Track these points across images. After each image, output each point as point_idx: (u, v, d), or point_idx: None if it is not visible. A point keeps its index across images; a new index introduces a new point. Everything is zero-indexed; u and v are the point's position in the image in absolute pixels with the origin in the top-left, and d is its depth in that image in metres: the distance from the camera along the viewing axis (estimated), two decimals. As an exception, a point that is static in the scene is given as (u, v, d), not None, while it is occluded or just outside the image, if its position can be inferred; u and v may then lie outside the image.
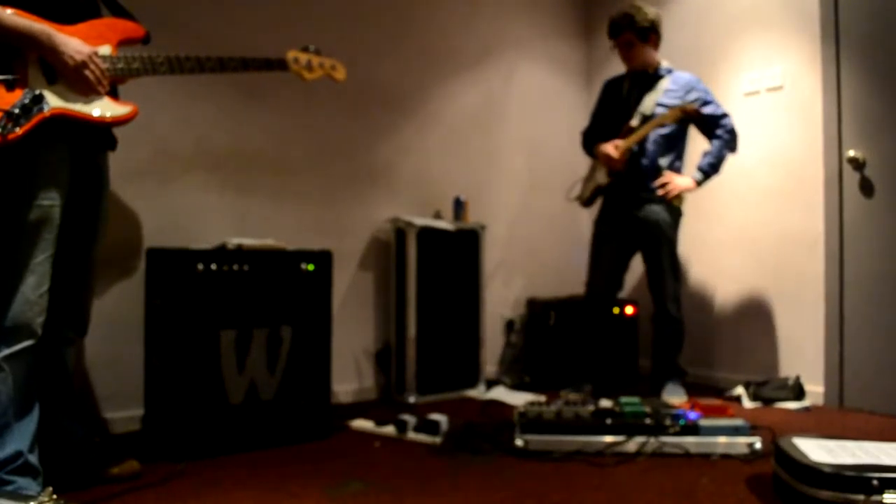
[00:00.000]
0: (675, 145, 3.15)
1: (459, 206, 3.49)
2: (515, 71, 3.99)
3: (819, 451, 1.81)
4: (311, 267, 2.54)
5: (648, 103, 3.11)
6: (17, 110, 1.56)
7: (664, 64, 3.22)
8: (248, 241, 2.50)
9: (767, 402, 3.06)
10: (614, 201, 3.24)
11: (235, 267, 2.36)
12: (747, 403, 3.08)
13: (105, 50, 1.79)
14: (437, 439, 2.46)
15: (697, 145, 3.21)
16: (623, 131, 3.11)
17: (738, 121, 3.49)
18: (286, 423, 2.44)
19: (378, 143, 3.39)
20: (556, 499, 1.86)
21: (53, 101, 1.66)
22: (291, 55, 2.21)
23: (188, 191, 2.78)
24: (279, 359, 2.44)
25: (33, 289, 1.66)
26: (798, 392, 3.05)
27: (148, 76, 1.88)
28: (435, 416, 2.56)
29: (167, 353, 2.28)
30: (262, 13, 2.97)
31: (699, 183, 3.08)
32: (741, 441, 2.24)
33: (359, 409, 2.99)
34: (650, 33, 3.13)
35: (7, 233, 1.66)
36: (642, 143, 3.08)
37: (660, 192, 3.05)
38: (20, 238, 1.66)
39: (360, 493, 1.92)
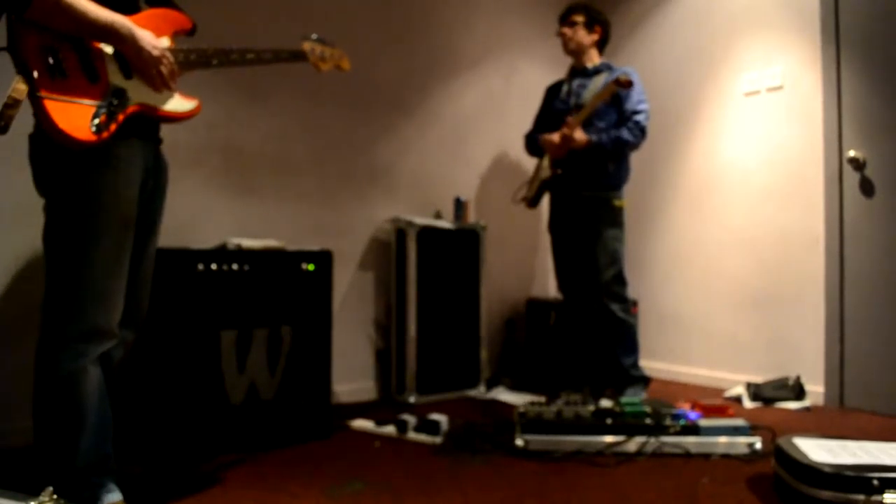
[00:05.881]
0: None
1: (459, 206, 3.49)
2: (515, 71, 3.99)
3: (819, 450, 1.81)
4: (311, 267, 2.54)
5: (587, 97, 3.11)
6: (109, 106, 1.50)
7: (604, 61, 3.24)
8: (248, 242, 2.50)
9: (767, 402, 3.06)
10: (559, 204, 3.26)
11: (236, 267, 2.36)
12: (747, 403, 3.08)
13: (164, 42, 1.69)
14: (437, 439, 2.46)
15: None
16: (564, 124, 3.10)
17: (738, 121, 3.51)
18: (286, 423, 2.44)
19: (378, 143, 3.39)
20: (556, 499, 1.86)
21: (135, 97, 1.59)
22: (307, 46, 2.15)
23: (189, 191, 2.78)
24: (279, 359, 2.44)
25: (115, 291, 1.59)
26: (798, 392, 3.05)
27: (202, 69, 1.81)
28: (435, 416, 2.56)
29: (167, 353, 2.28)
30: (262, 12, 2.97)
31: (591, 142, 3.01)
32: (741, 441, 2.24)
33: (359, 409, 2.99)
34: (596, 24, 3.18)
35: (86, 233, 1.55)
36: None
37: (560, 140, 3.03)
38: (100, 238, 1.56)
39: (360, 493, 1.92)
